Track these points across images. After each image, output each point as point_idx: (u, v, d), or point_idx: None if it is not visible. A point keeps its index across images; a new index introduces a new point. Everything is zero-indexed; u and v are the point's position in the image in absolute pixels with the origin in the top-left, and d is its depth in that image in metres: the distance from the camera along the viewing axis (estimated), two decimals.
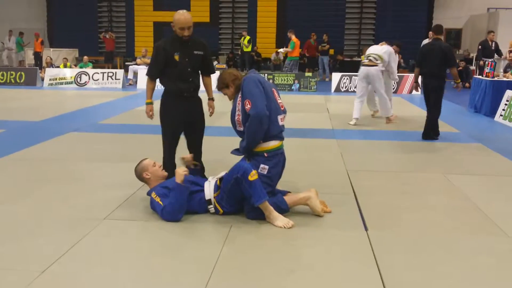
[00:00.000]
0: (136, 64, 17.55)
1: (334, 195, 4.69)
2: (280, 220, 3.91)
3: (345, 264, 3.27)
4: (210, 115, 5.03)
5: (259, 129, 3.98)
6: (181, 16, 4.55)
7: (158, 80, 4.80)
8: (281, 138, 4.21)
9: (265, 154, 4.10)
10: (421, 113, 10.67)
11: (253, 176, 3.84)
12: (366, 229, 3.89)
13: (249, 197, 3.89)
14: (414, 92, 14.97)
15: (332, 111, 10.71)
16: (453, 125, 9.03)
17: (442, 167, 5.91)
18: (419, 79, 8.08)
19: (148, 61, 18.89)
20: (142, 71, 16.46)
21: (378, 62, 8.67)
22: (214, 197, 4.08)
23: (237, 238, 3.68)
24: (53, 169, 5.63)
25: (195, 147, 4.91)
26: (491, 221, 4.10)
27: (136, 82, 16.59)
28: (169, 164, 4.75)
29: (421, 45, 16.59)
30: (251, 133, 4.00)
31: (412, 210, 4.36)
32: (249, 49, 18.95)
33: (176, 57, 4.62)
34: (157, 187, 4.14)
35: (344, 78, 15.45)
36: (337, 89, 15.38)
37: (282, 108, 4.22)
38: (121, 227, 3.89)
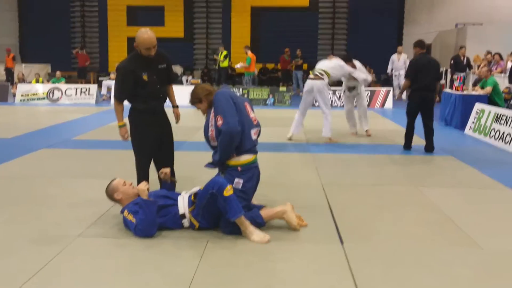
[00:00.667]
0: (110, 79, 17.43)
1: (310, 209, 4.71)
2: (256, 234, 3.92)
3: (321, 278, 3.28)
4: (177, 123, 5.03)
5: (230, 144, 4.02)
6: (145, 35, 4.47)
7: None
8: (255, 152, 4.24)
9: (239, 168, 4.11)
10: (394, 127, 10.85)
11: (228, 191, 3.85)
12: (341, 242, 3.92)
13: (225, 213, 3.89)
14: (386, 105, 15.24)
15: (306, 125, 10.78)
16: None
17: (415, 180, 6.00)
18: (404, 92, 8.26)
19: None
20: None
21: (323, 76, 8.61)
22: (189, 212, 4.07)
23: (213, 253, 3.66)
24: (26, 186, 5.53)
25: (168, 162, 4.89)
26: (464, 233, 4.17)
27: (110, 97, 16.46)
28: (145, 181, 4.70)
29: (391, 60, 17.16)
30: (223, 148, 4.05)
31: (387, 223, 4.42)
32: (226, 64, 19.03)
33: (145, 77, 4.58)
34: (129, 205, 4.11)
35: None
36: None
37: (255, 123, 4.24)
38: (95, 245, 3.84)
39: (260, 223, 4.07)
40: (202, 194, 4.01)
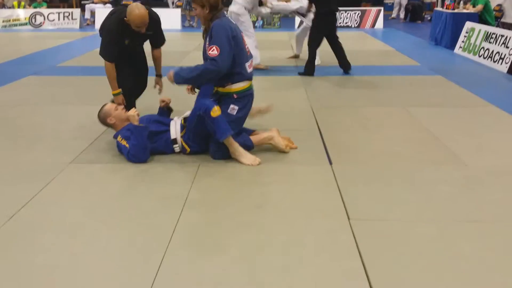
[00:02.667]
0: (93, 2, 16.89)
1: (300, 132, 4.76)
2: (247, 157, 3.97)
3: (310, 197, 3.38)
4: (159, 93, 4.96)
5: (209, 76, 3.92)
6: (137, 11, 4.29)
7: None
8: (250, 79, 4.18)
9: (235, 96, 4.07)
10: (384, 48, 10.76)
11: (215, 112, 3.84)
12: (330, 163, 4.00)
13: (213, 133, 3.92)
14: (376, 26, 15.00)
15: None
16: (414, 58, 9.16)
17: (403, 100, 6.03)
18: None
19: None
20: (99, 10, 15.86)
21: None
22: (180, 137, 4.11)
23: (205, 177, 3.73)
24: (14, 114, 5.51)
25: (139, 91, 5.08)
26: (450, 151, 4.26)
27: (94, 21, 16.02)
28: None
29: None
30: (201, 76, 3.92)
31: (374, 143, 4.49)
32: None
33: (126, 42, 4.57)
34: (123, 130, 4.12)
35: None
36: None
37: (248, 54, 4.14)
38: (88, 171, 3.89)
39: (249, 146, 4.12)
40: (190, 117, 4.03)
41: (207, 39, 3.98)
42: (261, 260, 2.61)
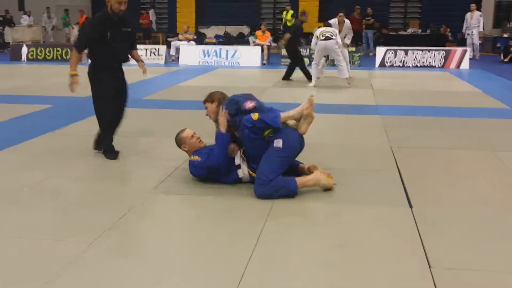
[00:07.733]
0: (178, 39, 17.62)
1: (378, 172, 4.62)
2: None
3: (388, 241, 3.23)
4: (144, 73, 5.51)
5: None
6: None
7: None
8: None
9: (270, 135, 4.01)
10: (470, 89, 10.36)
11: (255, 115, 3.92)
12: (410, 206, 3.82)
13: (267, 128, 3.94)
14: (462, 66, 14.51)
15: (376, 87, 10.50)
16: (503, 101, 8.71)
17: (491, 144, 5.70)
18: None
19: (190, 37, 18.62)
20: (184, 47, 16.53)
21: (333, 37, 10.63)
22: (247, 167, 4.15)
23: (280, 213, 3.67)
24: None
25: (121, 114, 5.32)
26: None
27: (178, 58, 16.67)
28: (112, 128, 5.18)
29: (465, 19, 16.36)
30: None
31: (459, 188, 4.25)
32: (292, 23, 18.66)
33: (108, 35, 4.87)
34: (196, 152, 4.28)
35: (389, 53, 15.08)
36: (382, 64, 15.03)
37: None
38: (167, 200, 3.98)
39: (292, 190, 3.96)
40: (243, 139, 4.05)
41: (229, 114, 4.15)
42: None
